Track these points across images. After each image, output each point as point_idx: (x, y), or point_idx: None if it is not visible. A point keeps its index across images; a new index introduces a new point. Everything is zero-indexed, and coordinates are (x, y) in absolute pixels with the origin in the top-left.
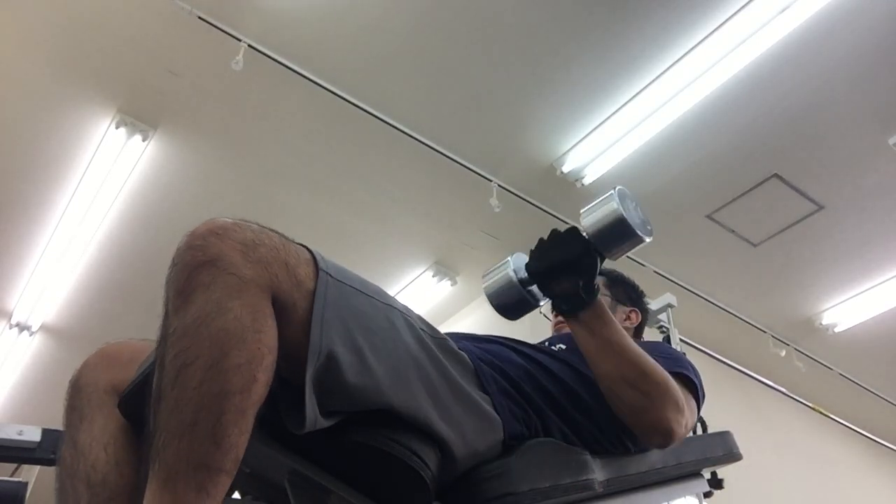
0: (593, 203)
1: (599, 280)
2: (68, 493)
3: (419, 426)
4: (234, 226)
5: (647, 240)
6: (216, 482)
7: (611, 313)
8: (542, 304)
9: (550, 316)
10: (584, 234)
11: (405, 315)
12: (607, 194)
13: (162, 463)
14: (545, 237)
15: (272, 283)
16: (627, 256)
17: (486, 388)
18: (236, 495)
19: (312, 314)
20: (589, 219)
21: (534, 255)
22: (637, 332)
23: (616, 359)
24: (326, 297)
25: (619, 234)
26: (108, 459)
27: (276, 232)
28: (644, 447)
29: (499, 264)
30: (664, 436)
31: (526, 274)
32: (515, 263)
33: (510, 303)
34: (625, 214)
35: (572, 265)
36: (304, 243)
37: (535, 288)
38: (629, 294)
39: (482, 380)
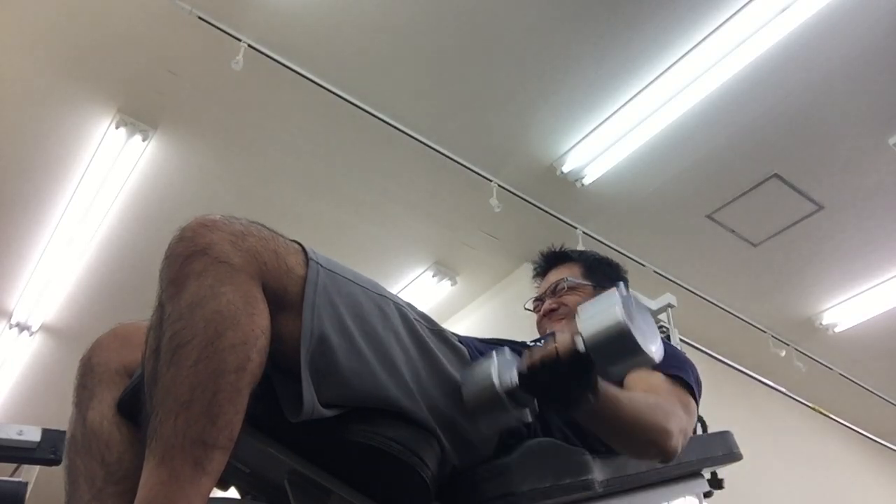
0: (595, 306)
1: (577, 270)
2: (79, 472)
3: (404, 414)
4: (224, 219)
5: (656, 360)
6: (212, 458)
7: (606, 390)
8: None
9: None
10: (582, 343)
11: (398, 305)
12: (609, 297)
13: (159, 440)
14: (536, 360)
15: (262, 271)
16: (627, 256)
17: None
18: (237, 495)
19: (304, 299)
20: (588, 326)
21: (525, 379)
22: None
23: (619, 428)
24: (317, 283)
25: (623, 351)
26: (122, 439)
27: (265, 226)
28: None
29: (483, 361)
30: (666, 459)
31: (513, 380)
32: (500, 363)
33: (486, 410)
34: (630, 326)
35: (567, 400)
36: (298, 240)
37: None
38: (609, 275)
39: None
